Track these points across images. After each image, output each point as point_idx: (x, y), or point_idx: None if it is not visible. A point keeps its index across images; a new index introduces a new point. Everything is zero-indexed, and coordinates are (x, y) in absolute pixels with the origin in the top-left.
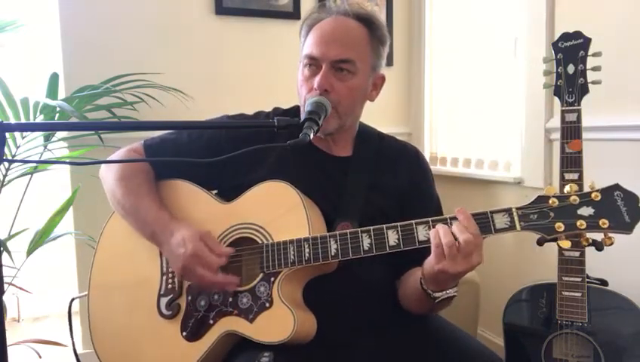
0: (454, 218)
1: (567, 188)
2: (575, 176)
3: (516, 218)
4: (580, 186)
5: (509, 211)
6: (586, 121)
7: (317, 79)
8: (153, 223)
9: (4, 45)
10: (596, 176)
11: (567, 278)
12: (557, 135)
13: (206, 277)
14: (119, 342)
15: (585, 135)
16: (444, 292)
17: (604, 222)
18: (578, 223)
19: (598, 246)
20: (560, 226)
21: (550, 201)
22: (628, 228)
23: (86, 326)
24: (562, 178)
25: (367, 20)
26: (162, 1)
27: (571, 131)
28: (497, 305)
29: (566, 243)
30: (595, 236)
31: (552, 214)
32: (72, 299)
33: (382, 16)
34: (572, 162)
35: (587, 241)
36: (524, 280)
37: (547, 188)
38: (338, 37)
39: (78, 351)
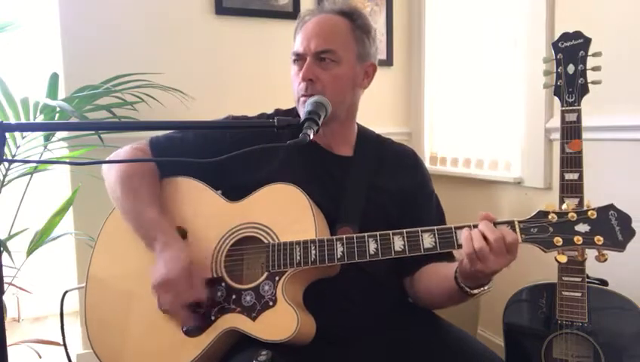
0: (469, 226)
1: (564, 206)
2: (575, 176)
3: (518, 230)
4: (580, 187)
5: (511, 223)
6: (586, 121)
7: (301, 71)
8: (153, 228)
9: (2, 46)
10: (596, 176)
11: (567, 278)
12: (557, 135)
13: (169, 306)
14: (117, 336)
15: (585, 135)
16: (482, 289)
17: (599, 239)
18: (575, 239)
19: (604, 283)
20: (558, 241)
21: (550, 216)
22: (620, 246)
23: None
24: (562, 178)
25: (347, 13)
26: (162, 1)
27: (571, 131)
28: (497, 305)
29: (563, 258)
30: (591, 253)
31: (551, 229)
32: (65, 292)
33: (381, 17)
34: (572, 162)
35: (582, 257)
36: (524, 280)
37: (547, 204)
38: (319, 31)
39: (78, 352)
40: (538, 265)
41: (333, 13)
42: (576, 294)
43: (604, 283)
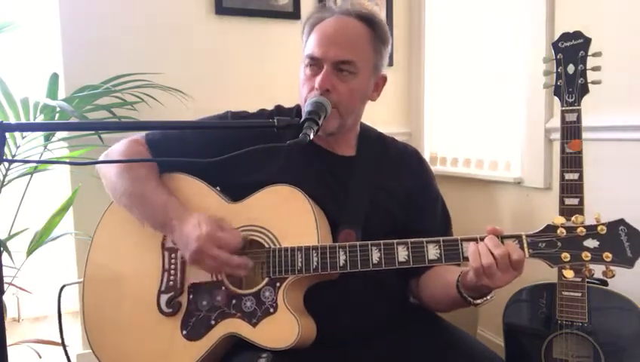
0: (475, 239)
1: (573, 219)
2: (575, 176)
3: (525, 245)
4: (580, 187)
5: (519, 237)
6: (586, 121)
7: (318, 79)
8: (164, 208)
9: (2, 46)
10: (596, 176)
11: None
12: (557, 135)
13: (221, 257)
14: (115, 338)
15: (585, 135)
16: (484, 299)
17: (607, 256)
18: (583, 255)
19: (604, 283)
20: (566, 256)
21: (558, 231)
22: (629, 263)
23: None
24: (562, 178)
25: (369, 20)
26: (162, 1)
27: (571, 131)
28: (497, 305)
29: (570, 273)
30: (597, 268)
31: (559, 244)
32: (63, 286)
33: (382, 16)
34: (572, 162)
35: (590, 272)
36: (524, 280)
37: (555, 217)
38: (339, 37)
39: (78, 352)
40: (538, 265)
41: (354, 17)
42: (576, 294)
43: (604, 283)
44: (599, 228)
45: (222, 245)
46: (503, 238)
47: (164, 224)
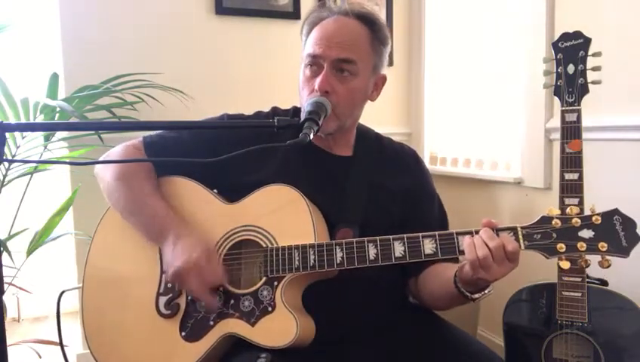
0: (470, 232)
1: (568, 210)
2: (575, 176)
3: (520, 237)
4: (580, 187)
5: (514, 229)
6: (586, 121)
7: (318, 80)
8: (163, 220)
9: (1, 46)
10: (596, 176)
11: (567, 278)
12: (557, 135)
13: (196, 291)
14: (115, 341)
15: (585, 135)
16: (482, 293)
17: (602, 245)
18: (579, 245)
19: (604, 283)
20: (562, 247)
21: (553, 222)
22: (625, 252)
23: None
24: (562, 178)
25: (368, 20)
26: (162, 1)
27: (571, 131)
28: (497, 305)
29: (566, 264)
30: (593, 258)
31: (554, 235)
32: (62, 292)
33: (382, 17)
34: (572, 162)
35: (586, 263)
36: (524, 280)
37: (549, 208)
38: (340, 37)
39: (78, 352)
40: (538, 265)
41: (354, 18)
42: (577, 294)
43: (604, 283)
44: (594, 218)
45: (203, 277)
46: (498, 231)
47: (159, 236)
